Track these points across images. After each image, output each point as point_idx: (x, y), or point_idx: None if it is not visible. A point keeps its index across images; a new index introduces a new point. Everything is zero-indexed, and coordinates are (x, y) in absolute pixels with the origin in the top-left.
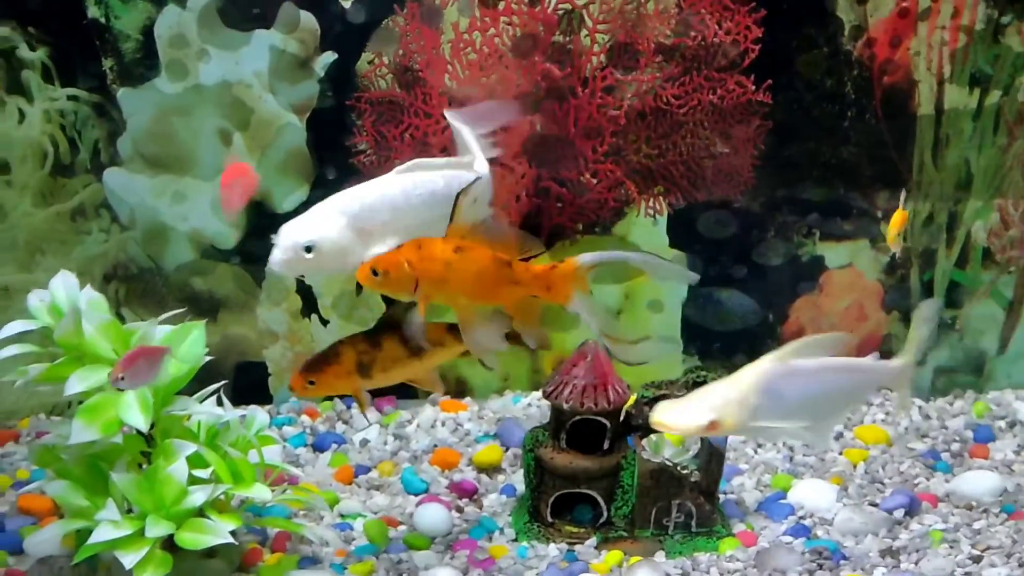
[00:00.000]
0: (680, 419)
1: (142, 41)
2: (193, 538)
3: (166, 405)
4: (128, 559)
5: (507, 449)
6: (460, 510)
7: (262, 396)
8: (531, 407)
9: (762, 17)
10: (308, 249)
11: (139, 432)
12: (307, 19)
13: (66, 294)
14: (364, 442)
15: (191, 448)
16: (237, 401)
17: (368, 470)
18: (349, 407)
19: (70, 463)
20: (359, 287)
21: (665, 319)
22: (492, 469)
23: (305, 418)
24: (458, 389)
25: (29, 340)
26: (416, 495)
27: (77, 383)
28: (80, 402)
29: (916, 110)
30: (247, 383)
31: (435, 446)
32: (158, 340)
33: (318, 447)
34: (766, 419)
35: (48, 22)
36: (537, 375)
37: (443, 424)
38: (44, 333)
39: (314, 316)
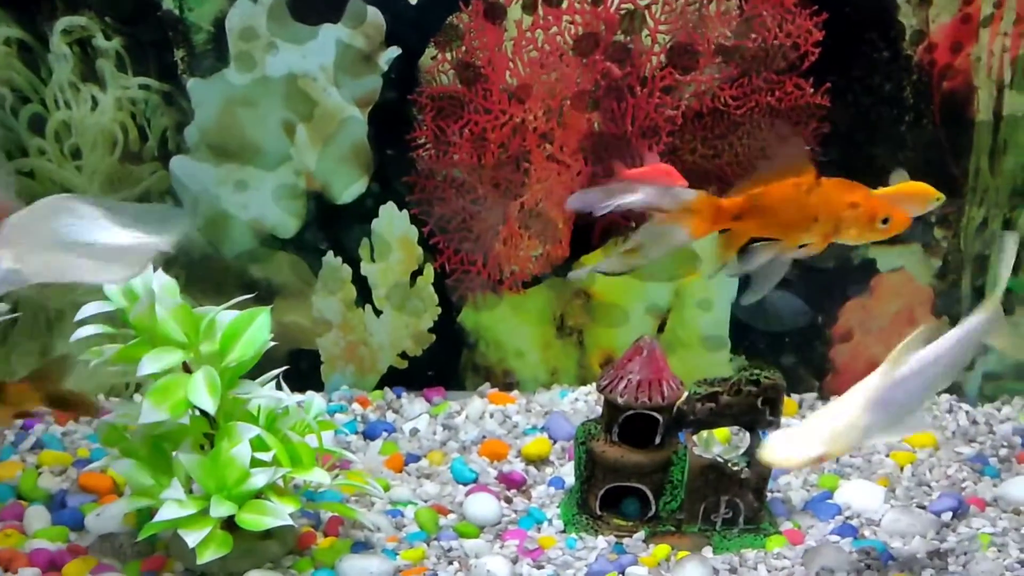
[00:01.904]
0: (791, 455)
1: (213, 33)
2: (254, 519)
3: (231, 388)
4: (191, 538)
5: (555, 442)
6: (509, 500)
7: (314, 383)
8: (578, 401)
9: (823, 20)
10: None
11: (204, 414)
12: (373, 14)
13: (141, 278)
14: (414, 431)
15: (254, 431)
16: (290, 388)
17: (418, 459)
18: (399, 396)
19: (135, 442)
20: (413, 278)
21: (714, 318)
22: (540, 461)
23: (356, 406)
24: (506, 382)
25: (103, 321)
26: (465, 484)
27: (149, 364)
28: (142, 384)
29: (974, 116)
30: (300, 370)
31: (484, 437)
32: (225, 325)
33: (369, 435)
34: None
35: (124, 12)
36: (584, 370)
37: (491, 416)
38: (118, 315)
39: (368, 306)
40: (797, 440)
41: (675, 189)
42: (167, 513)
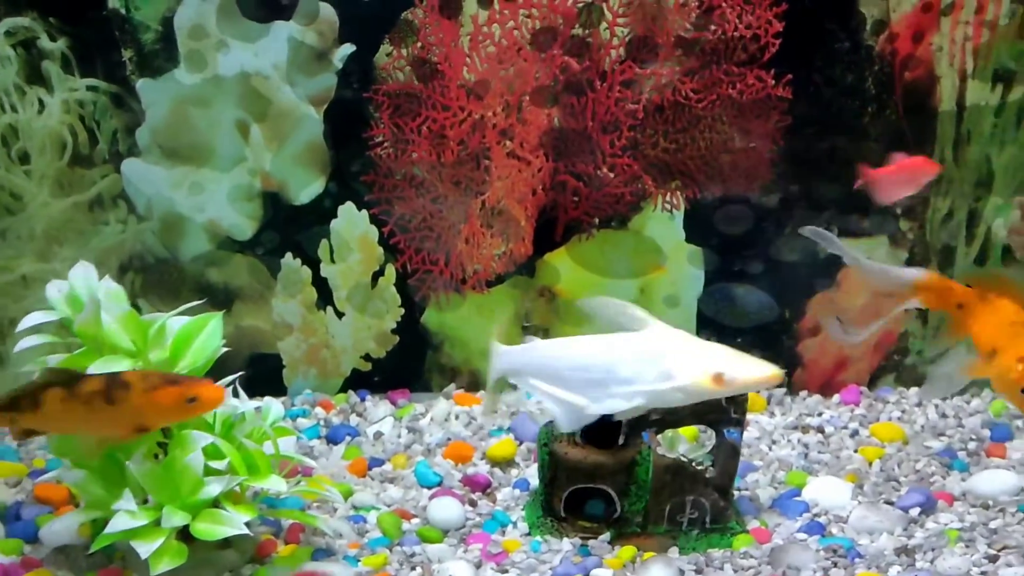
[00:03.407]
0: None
1: (161, 32)
2: (208, 529)
3: None
4: (144, 549)
5: (521, 443)
6: (473, 504)
7: (277, 388)
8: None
9: (783, 11)
10: None
11: None
12: (326, 11)
13: (85, 285)
14: (378, 435)
15: (207, 439)
16: (251, 393)
17: (382, 463)
18: (363, 399)
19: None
20: (374, 279)
21: (681, 314)
22: (506, 463)
23: (319, 410)
24: (471, 382)
25: (47, 331)
26: (429, 488)
27: None
28: None
29: (937, 106)
30: (261, 375)
31: (449, 439)
32: (176, 331)
33: (332, 439)
34: None
35: (68, 12)
36: None
37: (457, 418)
38: (63, 324)
39: (329, 308)
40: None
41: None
42: (119, 524)
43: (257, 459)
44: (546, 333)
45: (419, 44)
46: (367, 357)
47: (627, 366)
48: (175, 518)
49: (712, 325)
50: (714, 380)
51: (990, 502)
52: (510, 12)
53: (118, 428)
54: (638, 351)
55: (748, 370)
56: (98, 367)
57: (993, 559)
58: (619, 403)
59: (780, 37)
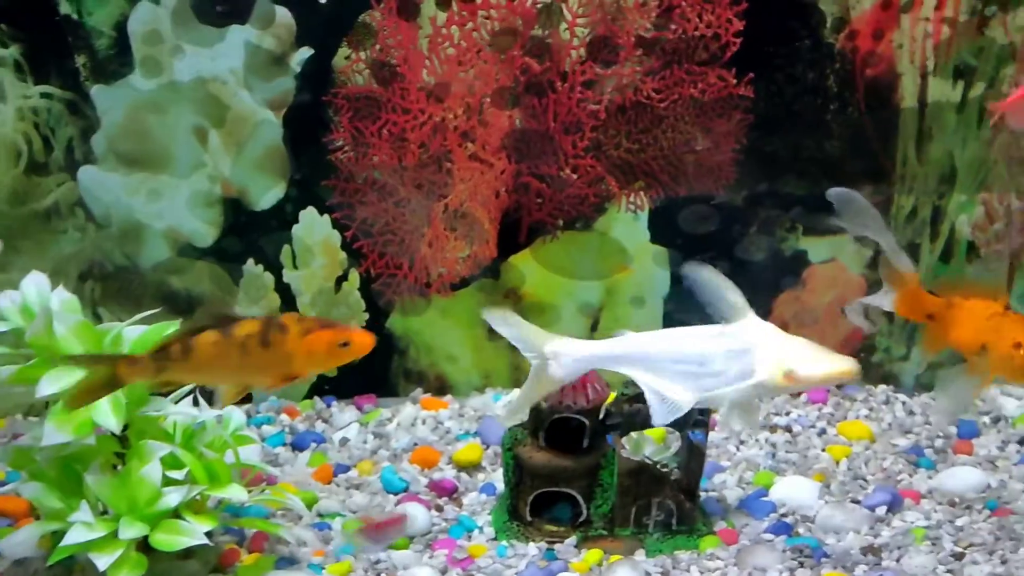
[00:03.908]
0: None
1: (115, 37)
2: (167, 539)
3: (141, 406)
4: (101, 561)
5: (488, 447)
6: (440, 509)
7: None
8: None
9: (743, 10)
10: None
11: (113, 433)
12: (282, 14)
13: (37, 295)
14: (344, 441)
15: (165, 449)
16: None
17: (347, 469)
18: (329, 405)
19: (44, 465)
20: (338, 284)
21: (647, 314)
22: (472, 467)
23: (284, 417)
24: (439, 386)
25: (4, 342)
26: (395, 494)
27: (49, 385)
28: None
29: (899, 103)
30: None
31: (415, 444)
32: (132, 340)
33: (297, 446)
34: None
35: (20, 19)
36: (517, 372)
37: (423, 422)
38: (16, 334)
39: None
40: None
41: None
42: (75, 536)
43: (217, 468)
44: None
45: (377, 47)
46: None
47: (719, 360)
48: (132, 529)
49: (678, 326)
50: (786, 377)
51: (957, 499)
52: (468, 13)
53: (269, 375)
54: (728, 345)
55: (820, 366)
56: (50, 379)
57: (959, 557)
58: (711, 397)
59: (741, 36)
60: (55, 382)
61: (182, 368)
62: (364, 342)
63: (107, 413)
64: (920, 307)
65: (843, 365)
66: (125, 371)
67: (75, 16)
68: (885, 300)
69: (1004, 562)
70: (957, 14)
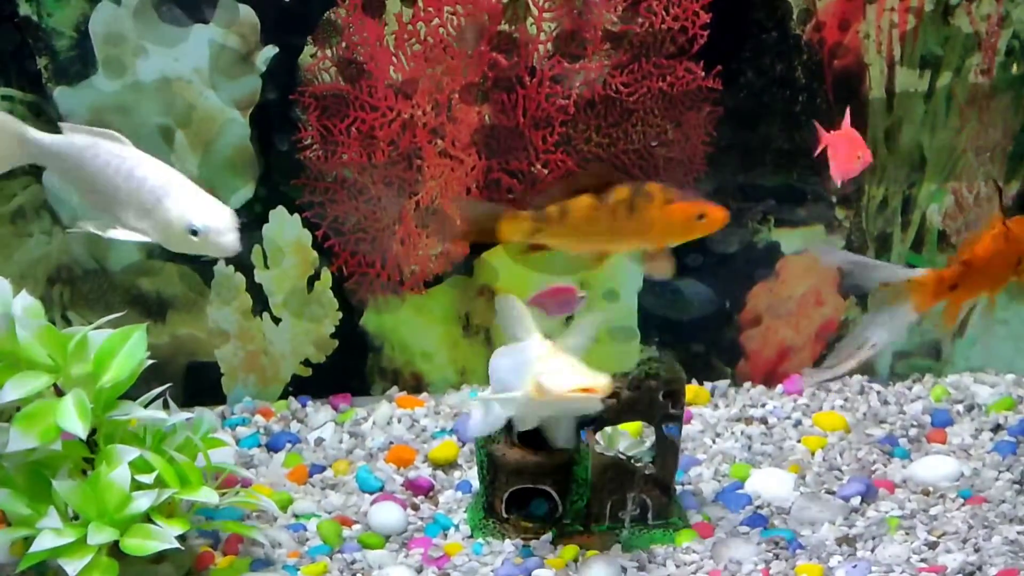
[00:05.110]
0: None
1: (76, 38)
2: (138, 544)
3: (109, 410)
4: (71, 567)
5: (463, 445)
6: (415, 508)
7: (215, 396)
8: None
9: (710, 2)
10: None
11: (81, 438)
12: (246, 13)
13: (0, 301)
14: (319, 440)
15: (134, 453)
16: (190, 402)
17: (323, 469)
18: (304, 405)
19: (12, 471)
20: (310, 283)
21: (622, 308)
22: (448, 465)
23: (259, 418)
24: (414, 384)
25: None
26: (371, 494)
27: (13, 390)
28: (19, 409)
29: (867, 93)
30: (199, 384)
31: (391, 443)
32: (98, 345)
33: (272, 447)
34: None
35: None
36: None
37: (399, 421)
38: None
39: (265, 314)
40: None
41: (906, 270)
42: (44, 543)
43: (188, 471)
44: (487, 332)
45: (343, 44)
46: (307, 362)
47: (512, 373)
48: (102, 534)
49: (653, 319)
50: (536, 389)
51: (930, 488)
52: (435, 9)
53: (630, 242)
54: (518, 359)
55: (566, 380)
56: (14, 384)
57: (933, 546)
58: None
59: (708, 28)
60: (19, 387)
61: (556, 230)
62: (719, 216)
63: (73, 418)
64: (941, 287)
65: (591, 382)
66: (507, 227)
67: (35, 17)
68: (906, 311)
69: (977, 550)
70: (923, 4)
